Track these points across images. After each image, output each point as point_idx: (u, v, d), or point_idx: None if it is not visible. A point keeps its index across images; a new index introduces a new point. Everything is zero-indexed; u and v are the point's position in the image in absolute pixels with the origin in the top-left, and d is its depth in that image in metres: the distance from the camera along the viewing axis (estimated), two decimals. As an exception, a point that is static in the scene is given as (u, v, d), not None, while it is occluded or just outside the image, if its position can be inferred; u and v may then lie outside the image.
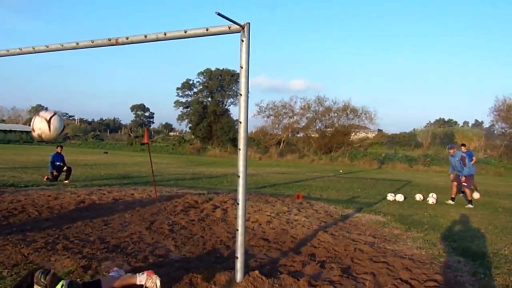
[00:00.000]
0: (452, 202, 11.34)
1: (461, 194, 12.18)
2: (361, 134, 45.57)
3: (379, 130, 50.85)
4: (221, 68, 49.23)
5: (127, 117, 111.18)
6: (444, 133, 49.79)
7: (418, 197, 11.89)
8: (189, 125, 50.06)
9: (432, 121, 71.85)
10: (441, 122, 70.30)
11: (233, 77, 47.71)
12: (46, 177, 12.47)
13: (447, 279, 4.53)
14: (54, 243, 5.23)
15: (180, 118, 51.00)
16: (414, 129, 56.46)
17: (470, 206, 10.82)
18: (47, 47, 4.77)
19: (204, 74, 49.54)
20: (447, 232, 7.43)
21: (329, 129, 42.09)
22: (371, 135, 48.18)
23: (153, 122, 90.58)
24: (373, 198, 11.89)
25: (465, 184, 11.16)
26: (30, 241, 5.27)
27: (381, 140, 46.80)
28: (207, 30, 3.92)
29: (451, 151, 11.66)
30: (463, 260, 5.41)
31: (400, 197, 11.59)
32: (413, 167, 31.41)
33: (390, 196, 11.75)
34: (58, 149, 12.92)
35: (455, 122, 69.05)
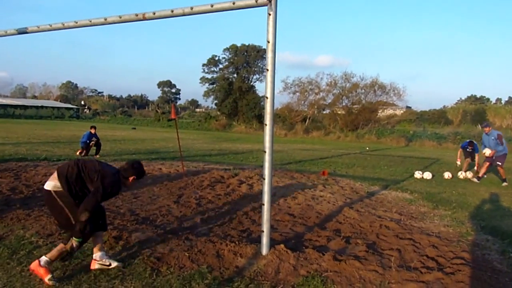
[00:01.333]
0: (478, 181, 11.07)
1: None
2: (389, 111, 44.62)
3: (408, 107, 49.74)
4: (247, 44, 48.86)
5: (154, 94, 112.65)
6: (476, 110, 48.29)
7: (447, 175, 11.66)
8: (215, 101, 50.21)
9: (463, 98, 69.85)
10: (472, 99, 68.24)
11: (259, 53, 47.32)
12: (78, 151, 12.83)
13: (474, 257, 4.48)
14: (87, 214, 5.42)
15: (206, 94, 51.21)
16: (444, 106, 55.10)
17: (505, 183, 10.59)
18: (76, 23, 4.83)
19: (230, 50, 49.29)
20: (475, 210, 7.30)
21: (355, 106, 41.37)
22: (399, 112, 47.22)
23: (179, 99, 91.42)
24: (400, 176, 11.75)
25: (499, 163, 10.86)
26: (64, 212, 5.48)
27: (410, 117, 45.85)
28: (233, 3, 3.88)
29: (486, 129, 11.28)
30: (491, 239, 5.32)
31: (428, 175, 11.40)
32: (442, 145, 30.67)
33: (417, 174, 11.57)
34: (92, 130, 13.17)
35: (488, 99, 66.90)
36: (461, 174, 11.69)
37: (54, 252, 3.48)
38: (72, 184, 3.48)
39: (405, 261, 4.20)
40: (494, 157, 10.87)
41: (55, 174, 3.56)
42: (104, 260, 3.67)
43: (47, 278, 3.33)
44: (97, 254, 3.69)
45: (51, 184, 3.51)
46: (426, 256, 4.37)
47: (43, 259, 3.41)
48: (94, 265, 3.66)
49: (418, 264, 4.12)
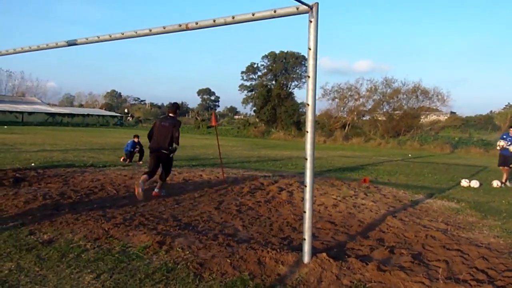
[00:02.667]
0: None
1: None
2: (432, 117, 43.38)
3: (452, 113, 48.14)
4: (285, 51, 48.99)
5: (194, 101, 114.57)
6: (525, 115, 45.94)
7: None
8: (254, 108, 50.62)
9: (511, 103, 66.63)
10: (522, 103, 64.91)
11: (298, 59, 47.38)
12: (122, 158, 13.24)
13: (528, 270, 4.25)
14: (131, 219, 5.59)
15: (245, 101, 51.82)
16: (491, 111, 52.78)
17: None
18: (123, 34, 5.00)
19: (268, 57, 49.64)
20: (528, 221, 6.93)
21: (397, 112, 40.49)
22: (443, 117, 45.78)
23: (218, 106, 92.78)
24: (445, 184, 11.35)
25: None
26: (109, 217, 5.67)
27: (454, 123, 44.35)
28: (274, 12, 3.89)
29: None
30: (547, 252, 5.03)
31: (475, 183, 10.94)
32: (490, 152, 29.40)
33: (464, 182, 11.14)
34: (135, 139, 13.53)
35: (538, 104, 63.42)
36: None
37: (158, 185, 7.44)
38: None
39: (453, 273, 4.04)
40: None
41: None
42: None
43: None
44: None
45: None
46: (475, 268, 4.19)
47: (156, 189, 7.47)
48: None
49: (467, 276, 3.95)
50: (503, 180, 11.39)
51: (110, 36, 5.15)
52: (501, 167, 11.79)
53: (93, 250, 4.31)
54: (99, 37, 5.33)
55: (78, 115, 58.59)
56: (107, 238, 4.67)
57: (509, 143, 11.41)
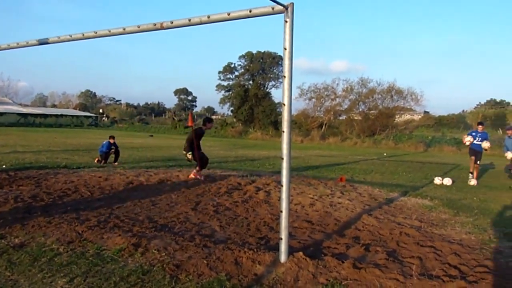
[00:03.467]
0: None
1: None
2: (406, 116, 44.20)
3: (426, 112, 49.23)
4: (263, 51, 49.13)
5: (170, 101, 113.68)
6: (496, 114, 47.43)
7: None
8: (231, 108, 50.49)
9: (482, 102, 68.70)
10: (492, 103, 66.99)
11: (275, 59, 47.55)
12: (96, 159, 13.00)
13: (498, 265, 4.37)
14: (106, 221, 5.49)
15: (222, 101, 51.68)
16: (463, 110, 54.42)
17: None
18: (96, 33, 4.91)
19: (246, 57, 49.68)
20: (498, 217, 7.15)
21: (372, 111, 41.09)
22: (417, 117, 46.73)
23: (195, 106, 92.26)
24: (419, 182, 11.59)
25: None
26: (83, 219, 5.56)
27: (428, 122, 45.34)
28: (250, 11, 3.89)
29: (510, 132, 11.15)
30: (516, 246, 5.19)
31: (448, 181, 11.21)
32: (462, 150, 30.14)
33: (437, 180, 11.40)
34: (111, 140, 13.29)
35: (508, 103, 65.54)
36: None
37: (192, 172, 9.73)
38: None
39: (426, 269, 4.12)
40: None
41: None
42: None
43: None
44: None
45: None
46: (448, 264, 4.28)
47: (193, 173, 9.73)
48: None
49: (440, 272, 4.03)
50: (474, 177, 11.72)
51: (83, 35, 5.05)
52: (471, 158, 12.24)
53: (66, 253, 4.22)
54: (71, 36, 5.21)
55: (51, 115, 57.30)
56: (81, 241, 4.57)
57: (480, 139, 11.82)
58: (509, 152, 11.25)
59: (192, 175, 9.70)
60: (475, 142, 11.95)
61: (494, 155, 22.07)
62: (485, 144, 11.69)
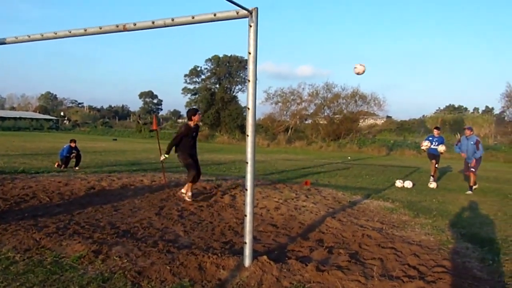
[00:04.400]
0: (471, 192, 10.82)
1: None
2: (370, 121, 45.23)
3: (388, 117, 50.51)
4: (229, 55, 49.10)
5: (135, 104, 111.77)
6: (454, 119, 49.28)
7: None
8: (197, 112, 50.08)
9: (441, 108, 71.35)
10: (450, 108, 69.70)
11: (241, 63, 47.57)
12: (56, 164, 12.58)
13: (455, 265, 4.54)
14: (65, 228, 5.32)
15: (188, 105, 51.08)
16: (423, 115, 56.19)
17: (470, 192, 10.74)
18: (55, 34, 4.78)
19: (212, 60, 49.46)
20: (455, 218, 7.41)
21: (337, 116, 41.77)
22: (379, 121, 47.90)
23: (161, 109, 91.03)
24: (381, 185, 11.87)
25: (473, 169, 11.04)
26: (41, 226, 5.36)
27: (390, 127, 46.57)
28: (214, 15, 3.89)
29: (468, 132, 11.50)
30: (471, 247, 5.40)
31: (408, 184, 11.54)
32: (422, 154, 31.06)
33: (398, 183, 11.71)
34: (72, 144, 12.88)
35: (465, 109, 68.43)
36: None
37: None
38: None
39: (387, 270, 4.22)
40: (472, 164, 11.06)
41: None
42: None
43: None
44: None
45: None
46: (407, 265, 4.40)
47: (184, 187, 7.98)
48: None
49: (400, 273, 4.14)
50: (434, 179, 12.13)
51: (42, 36, 4.90)
52: (431, 161, 12.56)
53: (22, 262, 4.05)
54: (29, 36, 5.05)
55: (9, 118, 55.15)
56: (38, 249, 4.41)
57: (437, 143, 12.26)
58: (440, 146, 12.01)
59: (181, 192, 8.02)
60: (432, 146, 12.32)
61: (452, 159, 22.92)
62: (441, 148, 12.12)
